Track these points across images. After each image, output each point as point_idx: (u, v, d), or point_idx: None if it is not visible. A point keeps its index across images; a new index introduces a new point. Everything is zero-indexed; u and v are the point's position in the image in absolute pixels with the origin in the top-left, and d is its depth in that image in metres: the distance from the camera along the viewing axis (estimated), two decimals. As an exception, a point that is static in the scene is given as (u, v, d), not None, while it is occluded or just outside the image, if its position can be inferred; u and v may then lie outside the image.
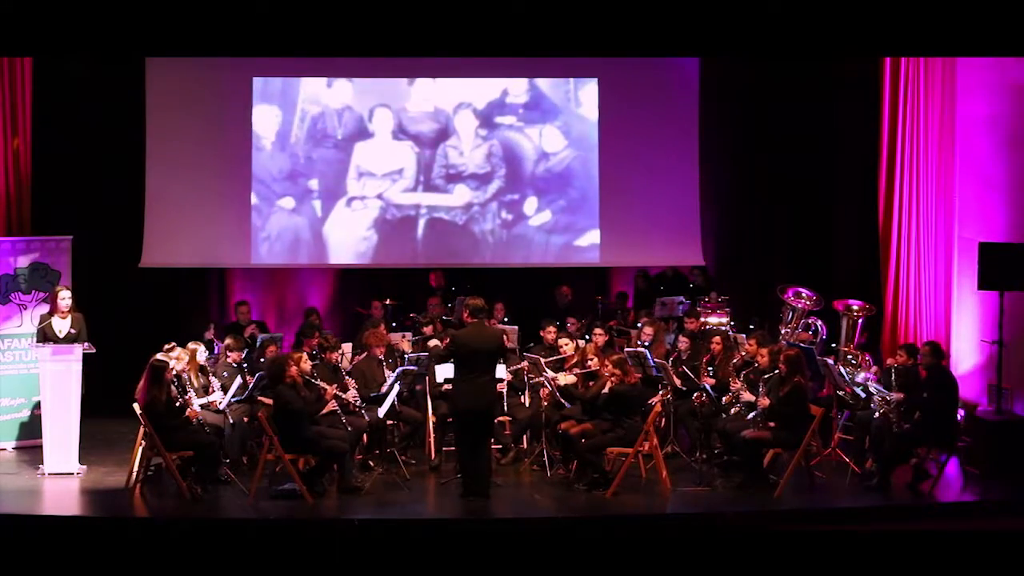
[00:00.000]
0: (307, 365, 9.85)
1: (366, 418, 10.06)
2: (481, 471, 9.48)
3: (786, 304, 11.93)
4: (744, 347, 10.82)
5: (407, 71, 14.00)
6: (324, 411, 9.83)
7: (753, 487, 9.69)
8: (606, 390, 9.83)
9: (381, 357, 10.79)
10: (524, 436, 10.84)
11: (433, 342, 11.17)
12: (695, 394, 10.61)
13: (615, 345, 11.97)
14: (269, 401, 9.93)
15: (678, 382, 10.71)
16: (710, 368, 10.82)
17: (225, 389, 10.13)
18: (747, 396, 10.10)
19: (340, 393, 9.95)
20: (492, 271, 14.13)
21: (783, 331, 11.83)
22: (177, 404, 9.64)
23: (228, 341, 10.66)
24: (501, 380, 10.25)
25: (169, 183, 13.78)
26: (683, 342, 11.32)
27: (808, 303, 11.81)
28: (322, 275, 14.68)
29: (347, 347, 11.29)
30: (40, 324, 10.75)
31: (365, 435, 10.24)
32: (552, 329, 11.35)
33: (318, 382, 9.93)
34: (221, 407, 10.08)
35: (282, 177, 14.04)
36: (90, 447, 10.69)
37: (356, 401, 10.04)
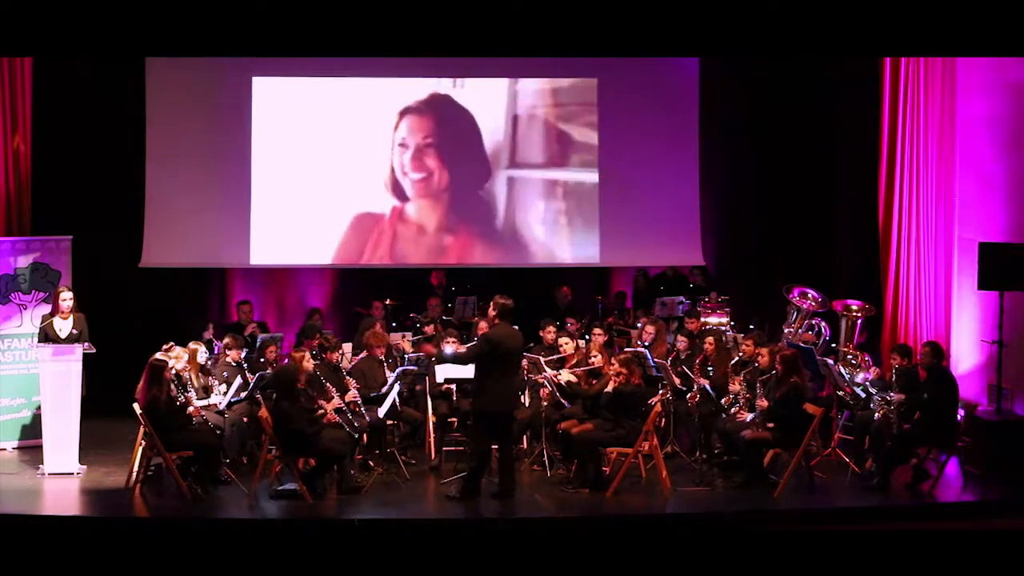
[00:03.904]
0: (310, 364, 9.84)
1: (366, 418, 10.06)
2: (510, 471, 9.53)
3: (791, 304, 11.92)
4: (741, 347, 10.82)
5: (406, 71, 14.00)
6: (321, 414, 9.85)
7: (753, 487, 9.69)
8: (609, 389, 9.84)
9: (381, 357, 10.79)
10: (524, 436, 10.83)
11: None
12: (689, 394, 10.62)
13: (615, 345, 11.98)
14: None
15: (678, 382, 10.71)
16: (709, 368, 10.82)
17: (226, 389, 10.13)
18: (747, 397, 10.11)
19: (341, 404, 9.89)
20: (492, 271, 14.13)
21: (786, 331, 11.83)
22: (177, 404, 9.64)
23: (227, 340, 10.66)
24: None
25: (169, 183, 13.79)
26: (682, 342, 11.33)
27: (813, 304, 11.80)
28: (322, 275, 14.68)
29: (347, 347, 11.29)
30: (41, 324, 10.75)
31: (365, 435, 10.24)
32: (552, 329, 11.35)
33: (326, 384, 9.90)
34: (221, 407, 10.08)
35: (282, 176, 14.05)
36: (90, 447, 10.69)
37: (357, 400, 10.04)
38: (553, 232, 14.27)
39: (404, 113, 14.16)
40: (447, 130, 14.20)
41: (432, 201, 14.20)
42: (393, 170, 14.14)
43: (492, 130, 14.21)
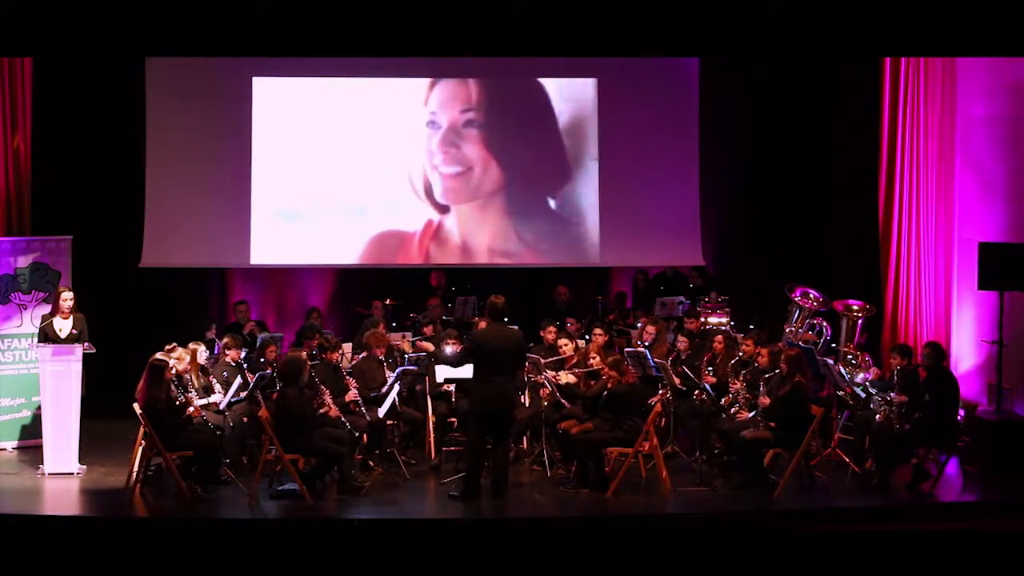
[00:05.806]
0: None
1: (366, 418, 10.06)
2: (501, 471, 9.52)
3: (792, 303, 11.93)
4: (742, 347, 10.83)
5: (407, 71, 13.99)
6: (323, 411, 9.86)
7: (753, 487, 9.69)
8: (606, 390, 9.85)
9: (381, 357, 10.79)
10: (524, 436, 10.83)
11: (427, 345, 11.10)
12: (695, 392, 10.61)
13: (615, 345, 11.98)
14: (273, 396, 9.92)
15: (678, 382, 10.71)
16: (710, 368, 10.82)
17: (226, 389, 10.13)
18: (747, 397, 10.11)
19: (339, 405, 9.92)
20: (492, 271, 14.12)
21: (787, 330, 11.83)
22: (177, 404, 9.64)
23: (226, 340, 10.66)
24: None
25: (169, 183, 13.78)
26: (682, 342, 11.32)
27: (815, 304, 11.81)
28: (322, 275, 14.68)
29: (347, 347, 11.29)
30: (41, 324, 10.74)
31: (365, 435, 10.24)
32: (552, 329, 11.34)
33: (320, 387, 9.93)
34: (221, 407, 10.08)
35: (282, 177, 14.05)
36: (90, 447, 10.69)
37: (357, 400, 10.04)
38: (552, 232, 14.25)
39: (403, 112, 14.11)
40: (444, 128, 14.17)
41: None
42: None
43: (491, 128, 14.18)
